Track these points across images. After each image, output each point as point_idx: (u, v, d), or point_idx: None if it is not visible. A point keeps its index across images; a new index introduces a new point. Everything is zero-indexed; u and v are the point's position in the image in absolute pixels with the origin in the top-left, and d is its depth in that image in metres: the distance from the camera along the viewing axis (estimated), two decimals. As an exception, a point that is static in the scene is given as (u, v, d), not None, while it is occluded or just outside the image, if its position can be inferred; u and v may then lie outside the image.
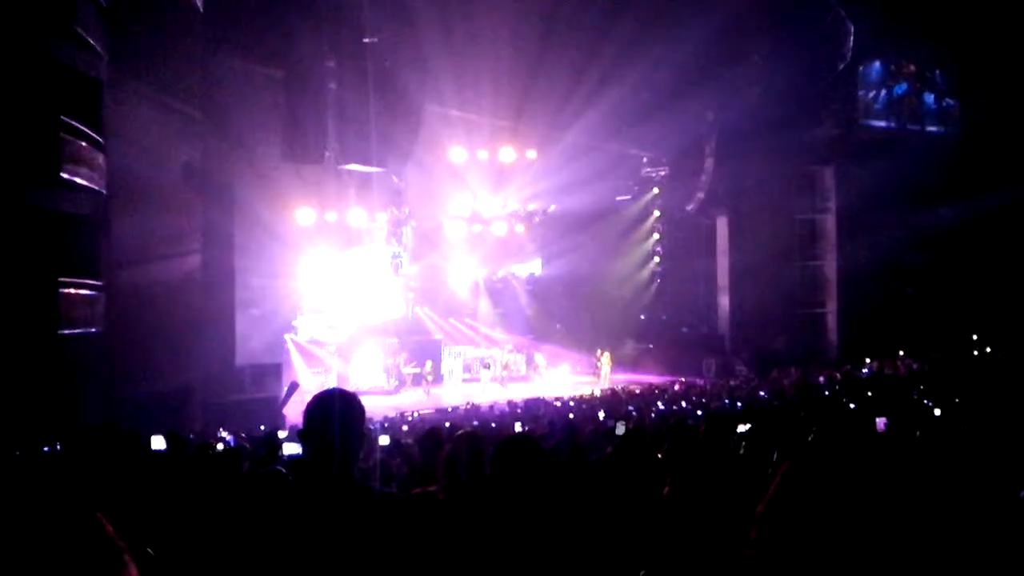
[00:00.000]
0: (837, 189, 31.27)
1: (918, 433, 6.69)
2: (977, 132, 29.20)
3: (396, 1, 24.64)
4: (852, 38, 29.17)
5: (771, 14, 26.21)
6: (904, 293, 29.60)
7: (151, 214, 19.18)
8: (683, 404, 17.42)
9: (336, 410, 3.11)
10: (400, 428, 15.87)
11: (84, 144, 15.52)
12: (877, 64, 31.56)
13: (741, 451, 6.08)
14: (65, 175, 14.83)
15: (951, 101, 32.22)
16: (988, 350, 24.63)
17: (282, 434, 11.42)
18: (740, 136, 30.62)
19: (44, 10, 14.62)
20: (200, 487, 5.26)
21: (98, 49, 16.34)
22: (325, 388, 3.33)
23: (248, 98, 23.58)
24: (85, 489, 4.59)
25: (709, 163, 32.79)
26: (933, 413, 10.38)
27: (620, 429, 6.69)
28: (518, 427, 9.45)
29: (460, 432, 4.83)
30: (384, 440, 8.44)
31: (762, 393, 18.82)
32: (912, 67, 31.85)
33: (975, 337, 26.53)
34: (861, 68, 31.06)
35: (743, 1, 24.73)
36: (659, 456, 5.39)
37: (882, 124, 31.75)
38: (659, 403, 18.00)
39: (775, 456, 6.08)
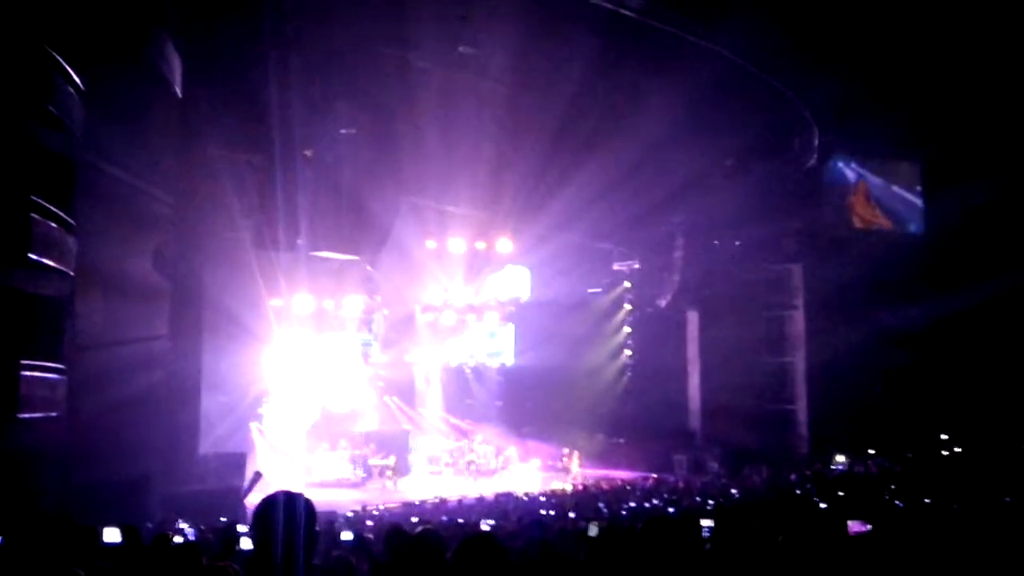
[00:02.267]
0: (805, 287, 31.60)
1: (888, 535, 6.60)
2: (944, 231, 29.75)
3: (373, 94, 25.04)
4: (818, 138, 29.91)
5: (739, 114, 26.83)
6: (873, 391, 29.68)
7: (118, 297, 18.97)
8: (654, 501, 17.17)
9: (280, 515, 3.09)
10: (364, 523, 15.50)
11: (54, 225, 15.35)
12: (843, 163, 32.28)
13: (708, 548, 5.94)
14: (33, 256, 14.64)
15: (918, 200, 32.87)
16: (957, 450, 24.67)
17: (242, 528, 11.08)
18: (709, 232, 31.09)
19: (20, 91, 14.63)
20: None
21: (73, 131, 16.32)
22: (276, 490, 3.27)
23: (221, 183, 23.61)
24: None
25: (678, 258, 33.19)
26: (904, 514, 10.28)
27: (593, 531, 6.45)
28: (485, 525, 9.21)
29: (420, 531, 4.70)
30: (347, 535, 8.21)
31: (733, 491, 18.65)
32: (879, 166, 32.58)
33: (944, 437, 26.59)
34: (827, 167, 31.76)
35: (710, 101, 25.28)
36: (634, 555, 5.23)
37: (849, 223, 32.33)
38: (630, 500, 17.74)
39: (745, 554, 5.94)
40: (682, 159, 27.35)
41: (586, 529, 6.65)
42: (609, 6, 22.02)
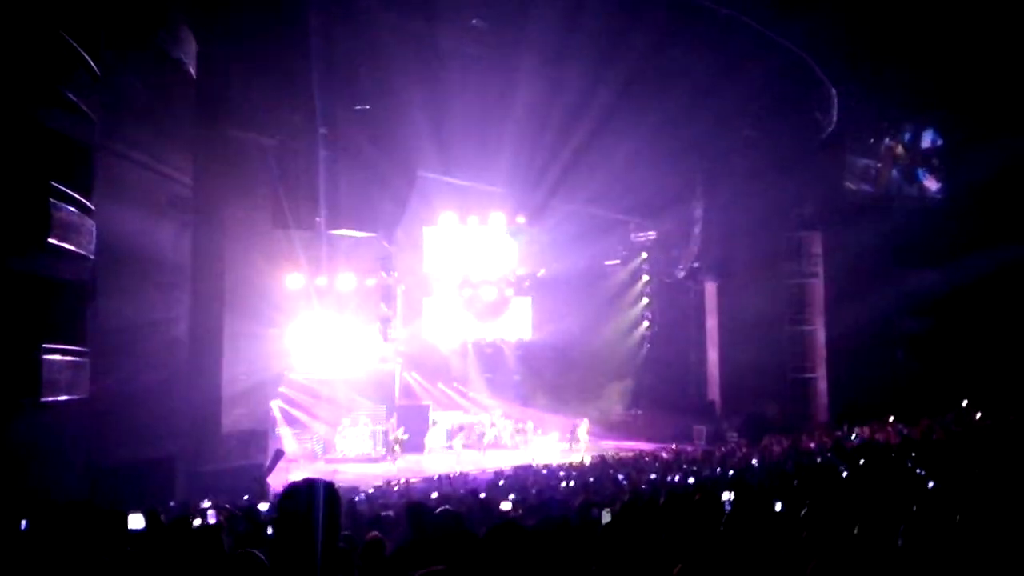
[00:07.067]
0: (825, 254, 31.31)
1: (912, 506, 6.55)
2: (964, 196, 29.34)
3: (388, 70, 24.92)
4: (837, 104, 29.51)
5: (757, 81, 26.56)
6: (894, 358, 29.47)
7: (139, 279, 19.10)
8: (675, 473, 17.17)
9: (302, 503, 3.11)
10: (387, 499, 15.61)
11: (73, 210, 15.42)
12: (863, 129, 31.82)
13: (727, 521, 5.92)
14: (53, 241, 14.73)
15: (937, 165, 32.38)
16: (979, 416, 24.48)
17: (263, 506, 11.20)
18: (728, 202, 30.82)
19: (36, 77, 14.66)
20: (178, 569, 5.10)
21: (90, 115, 16.35)
22: (298, 479, 3.28)
23: (239, 164, 23.65)
24: (58, 569, 4.44)
25: (697, 228, 32.99)
26: (926, 484, 10.22)
27: (606, 517, 6.23)
28: (507, 504, 9.20)
29: (440, 510, 4.73)
30: (368, 512, 8.27)
31: (754, 461, 18.62)
32: (898, 132, 32.07)
33: (965, 403, 26.37)
34: (847, 133, 31.35)
35: (729, 69, 25.04)
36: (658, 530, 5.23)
37: (869, 189, 31.94)
38: (651, 472, 17.75)
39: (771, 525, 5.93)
40: (700, 129, 27.13)
41: (599, 517, 6.49)
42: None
